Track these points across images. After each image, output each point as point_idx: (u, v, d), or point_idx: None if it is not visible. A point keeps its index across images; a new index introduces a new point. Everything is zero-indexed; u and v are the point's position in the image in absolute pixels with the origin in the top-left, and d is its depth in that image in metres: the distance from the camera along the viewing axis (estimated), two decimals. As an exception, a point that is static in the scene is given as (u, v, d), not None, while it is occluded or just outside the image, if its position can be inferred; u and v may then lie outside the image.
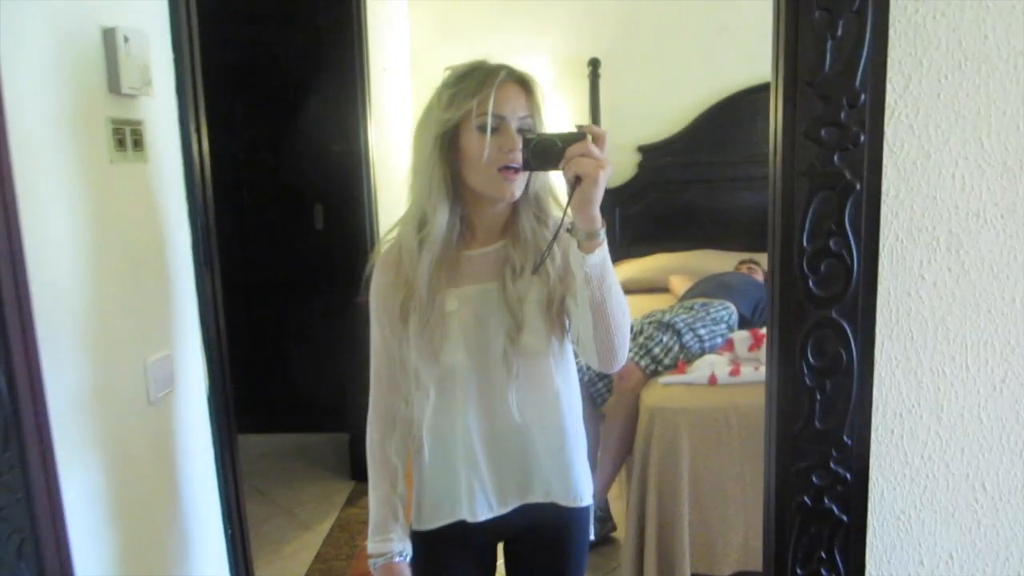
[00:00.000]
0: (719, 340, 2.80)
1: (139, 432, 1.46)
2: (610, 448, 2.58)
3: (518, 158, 1.16)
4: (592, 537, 1.45)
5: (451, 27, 4.23)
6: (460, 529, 1.34)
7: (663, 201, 4.22)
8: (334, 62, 3.18)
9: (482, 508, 1.33)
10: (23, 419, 0.92)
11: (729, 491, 2.33)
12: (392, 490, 1.33)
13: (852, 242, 0.73)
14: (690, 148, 4.18)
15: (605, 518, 2.62)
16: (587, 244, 1.11)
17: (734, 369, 2.45)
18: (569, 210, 1.12)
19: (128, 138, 1.44)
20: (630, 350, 2.70)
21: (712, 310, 2.90)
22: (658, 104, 4.20)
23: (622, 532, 2.58)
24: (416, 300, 1.24)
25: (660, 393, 2.46)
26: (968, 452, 0.79)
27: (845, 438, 0.78)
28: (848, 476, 0.78)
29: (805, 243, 0.74)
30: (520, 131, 1.19)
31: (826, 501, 0.81)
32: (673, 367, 2.61)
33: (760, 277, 3.52)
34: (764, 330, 2.67)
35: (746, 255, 3.80)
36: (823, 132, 0.74)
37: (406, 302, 1.26)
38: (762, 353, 2.54)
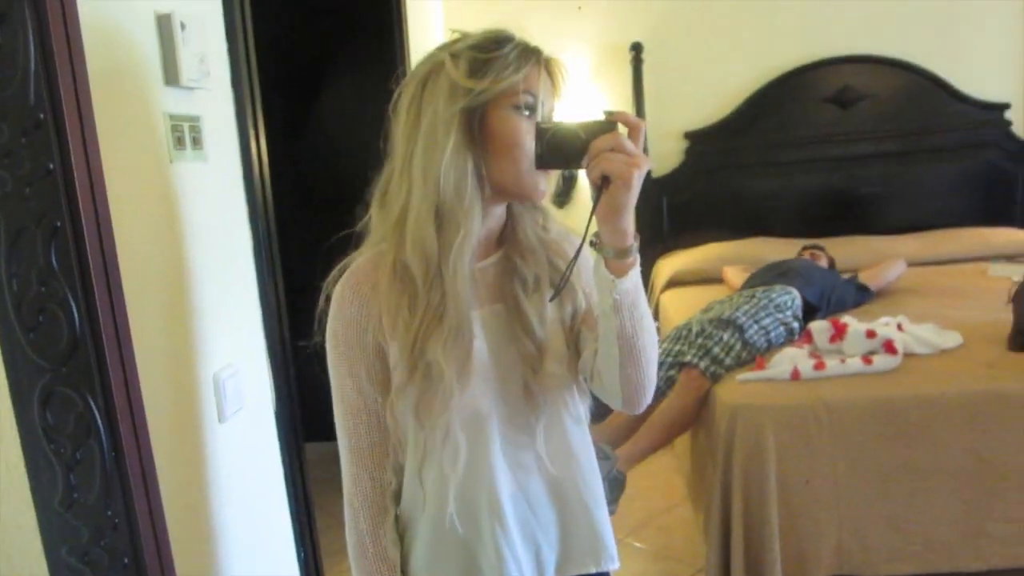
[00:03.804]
0: (781, 329, 2.64)
1: (209, 450, 1.34)
2: (664, 419, 2.45)
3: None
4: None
5: (485, 11, 4.07)
6: None
7: (713, 188, 4.03)
8: (373, 55, 3.05)
9: None
10: (127, 462, 0.79)
11: (820, 492, 2.18)
12: None
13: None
14: (740, 131, 3.99)
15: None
16: (617, 264, 0.90)
17: (818, 363, 2.29)
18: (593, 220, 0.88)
19: (187, 135, 1.32)
20: (688, 353, 2.56)
21: (775, 295, 2.75)
22: (705, 87, 4.01)
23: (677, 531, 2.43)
24: (442, 329, 0.95)
25: (739, 391, 2.30)
26: None
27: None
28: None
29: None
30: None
31: None
32: (735, 367, 2.46)
33: (824, 263, 3.35)
34: (844, 319, 2.51)
35: (806, 241, 3.62)
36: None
37: (428, 329, 0.95)
38: (845, 344, 2.38)
